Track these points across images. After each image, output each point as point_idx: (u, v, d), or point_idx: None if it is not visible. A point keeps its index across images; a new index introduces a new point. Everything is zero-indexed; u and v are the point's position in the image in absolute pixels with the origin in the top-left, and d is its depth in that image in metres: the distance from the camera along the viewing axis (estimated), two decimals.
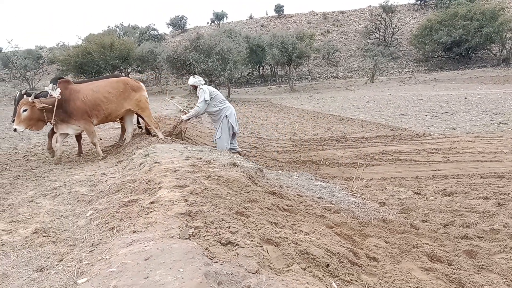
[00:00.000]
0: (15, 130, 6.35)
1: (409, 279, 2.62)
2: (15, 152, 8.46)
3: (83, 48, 35.37)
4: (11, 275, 2.77)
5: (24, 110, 6.33)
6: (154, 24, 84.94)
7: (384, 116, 14.71)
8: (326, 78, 45.63)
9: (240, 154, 8.11)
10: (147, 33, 55.00)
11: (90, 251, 2.70)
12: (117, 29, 55.70)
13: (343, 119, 14.66)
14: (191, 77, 8.20)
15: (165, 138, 7.63)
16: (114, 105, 7.23)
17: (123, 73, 41.91)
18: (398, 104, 18.48)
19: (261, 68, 48.05)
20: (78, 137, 7.79)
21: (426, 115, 14.16)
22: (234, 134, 8.12)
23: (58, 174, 6.15)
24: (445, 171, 6.92)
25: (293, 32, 43.47)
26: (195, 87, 8.07)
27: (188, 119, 8.15)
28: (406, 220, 4.43)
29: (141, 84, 7.83)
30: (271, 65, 45.86)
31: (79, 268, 2.46)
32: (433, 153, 8.19)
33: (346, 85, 39.70)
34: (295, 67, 41.01)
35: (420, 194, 5.56)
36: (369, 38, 51.18)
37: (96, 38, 37.41)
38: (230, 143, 7.99)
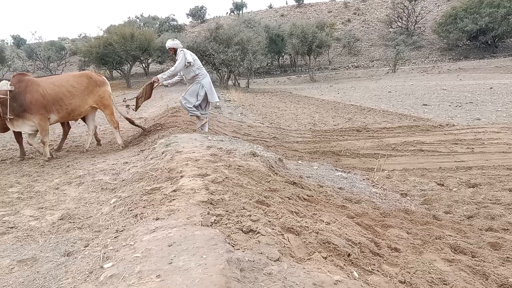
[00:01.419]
0: None
1: (432, 270, 2.59)
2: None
3: (104, 39, 35.79)
4: (39, 259, 2.86)
5: None
6: (173, 15, 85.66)
7: (406, 106, 14.46)
8: (347, 68, 45.04)
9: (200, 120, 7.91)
10: (167, 23, 55.27)
11: (115, 237, 2.77)
12: (138, 20, 56.18)
13: (364, 109, 14.49)
14: (169, 40, 7.69)
15: (122, 147, 7.40)
16: (77, 101, 6.87)
17: (143, 64, 42.36)
18: (420, 94, 18.11)
19: (280, 58, 47.76)
20: (19, 138, 7.02)
21: (449, 105, 13.84)
22: (209, 103, 7.93)
23: (82, 163, 6.30)
24: (469, 162, 6.78)
25: (313, 21, 42.98)
26: (174, 51, 7.48)
27: (164, 80, 7.71)
28: (429, 211, 4.37)
29: (105, 78, 7.55)
30: (290, 55, 45.52)
31: (104, 253, 2.53)
32: (456, 144, 8.02)
33: (367, 75, 39.12)
34: (315, 56, 40.59)
35: (443, 185, 5.47)
36: (391, 27, 50.11)
37: (117, 29, 37.77)
38: (202, 109, 7.78)
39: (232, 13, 62.95)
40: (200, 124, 7.70)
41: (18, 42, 54.47)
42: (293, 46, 37.94)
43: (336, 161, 7.32)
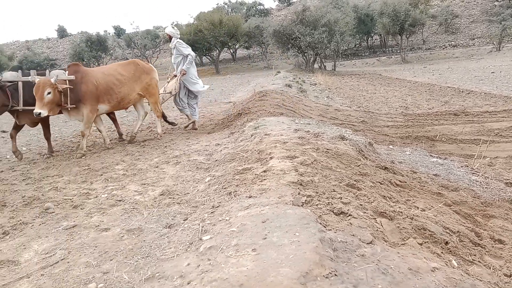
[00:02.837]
0: (39, 114, 5.72)
1: None
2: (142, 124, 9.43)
3: (195, 26, 37.35)
4: (145, 230, 3.16)
5: (49, 93, 5.78)
6: None
7: None
8: (443, 47, 41.72)
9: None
10: (254, 8, 55.88)
11: (211, 212, 2.96)
12: (226, 6, 57.60)
13: (462, 91, 13.37)
14: (170, 26, 8.34)
15: (161, 136, 7.49)
16: (126, 89, 6.85)
17: (231, 50, 43.47)
18: None
19: (369, 38, 45.81)
20: (47, 134, 6.85)
21: None
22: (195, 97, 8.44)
23: (178, 144, 6.73)
24: None
25: None
26: (170, 38, 8.19)
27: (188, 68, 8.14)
28: None
29: (152, 66, 7.54)
30: (380, 35, 43.37)
31: (202, 227, 2.72)
32: None
33: (467, 54, 35.87)
34: (407, 36, 38.15)
35: None
36: (497, 0, 45.15)
37: (206, 16, 39.11)
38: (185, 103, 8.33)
39: None
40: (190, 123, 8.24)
41: (119, 32, 59.11)
42: (383, 26, 36.05)
43: (431, 146, 6.91)
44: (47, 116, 6.24)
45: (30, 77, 6.02)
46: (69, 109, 6.22)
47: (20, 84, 6.07)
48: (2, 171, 5.76)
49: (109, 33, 59.11)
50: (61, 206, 3.97)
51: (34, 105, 5.88)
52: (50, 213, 3.80)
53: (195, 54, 8.24)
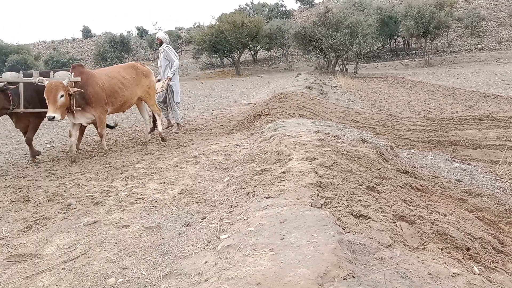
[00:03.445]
0: (53, 118, 5.42)
1: None
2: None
3: (217, 28, 37.57)
4: (163, 227, 3.21)
5: (62, 96, 5.50)
6: (282, 1, 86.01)
7: None
8: (469, 50, 40.78)
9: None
10: (276, 10, 55.89)
11: (229, 212, 2.97)
12: (247, 7, 57.80)
13: (488, 96, 13.05)
14: (163, 32, 8.75)
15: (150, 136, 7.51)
16: (129, 92, 6.70)
17: (252, 51, 43.58)
18: None
19: (392, 41, 45.17)
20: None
21: None
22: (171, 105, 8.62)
23: (197, 144, 6.78)
24: None
25: (432, 0, 39.61)
26: (161, 42, 8.48)
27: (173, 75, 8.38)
28: None
29: (149, 69, 7.40)
30: (404, 37, 42.69)
31: (220, 226, 2.73)
32: None
33: (493, 58, 34.98)
34: (431, 39, 37.45)
35: None
36: None
37: (228, 17, 39.31)
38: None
39: None
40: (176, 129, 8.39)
41: (141, 32, 60.08)
42: (407, 28, 35.46)
43: (454, 151, 6.76)
44: (39, 121, 6.15)
45: (33, 78, 5.77)
46: (74, 111, 5.90)
47: (21, 86, 5.82)
48: (26, 167, 5.92)
49: (132, 34, 60.11)
50: (82, 202, 4.07)
51: (33, 108, 5.85)
52: (72, 209, 3.89)
53: (179, 64, 8.61)
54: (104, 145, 6.53)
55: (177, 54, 8.68)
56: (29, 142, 6.21)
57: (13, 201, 4.25)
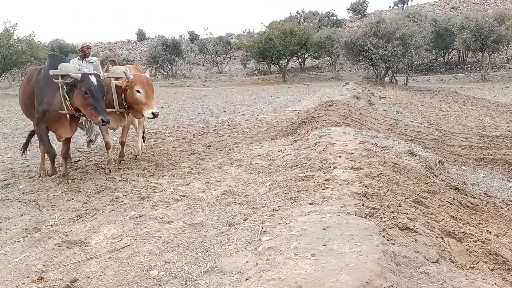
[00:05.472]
0: (158, 115, 5.13)
1: None
2: (207, 126, 9.74)
3: (266, 35, 37.82)
4: (206, 226, 3.27)
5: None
6: (334, 10, 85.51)
7: None
8: None
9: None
10: (327, 18, 55.53)
11: (271, 215, 2.98)
12: (298, 15, 57.81)
13: None
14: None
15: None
16: None
17: (299, 59, 43.54)
18: None
19: (447, 54, 43.50)
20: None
21: None
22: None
23: (242, 147, 6.86)
24: None
25: (492, 13, 37.78)
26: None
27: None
28: None
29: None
30: (459, 51, 40.97)
31: (262, 228, 2.75)
32: None
33: None
34: (489, 53, 35.66)
35: None
36: None
37: (278, 24, 39.47)
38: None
39: (395, 7, 59.70)
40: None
41: (193, 37, 61.65)
42: (463, 41, 33.99)
43: (509, 171, 6.40)
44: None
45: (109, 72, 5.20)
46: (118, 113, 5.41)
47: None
48: (79, 160, 6.23)
49: (184, 38, 61.79)
50: (129, 196, 4.23)
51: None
52: (120, 202, 4.06)
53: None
54: (124, 153, 5.96)
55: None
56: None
57: (66, 191, 4.50)
